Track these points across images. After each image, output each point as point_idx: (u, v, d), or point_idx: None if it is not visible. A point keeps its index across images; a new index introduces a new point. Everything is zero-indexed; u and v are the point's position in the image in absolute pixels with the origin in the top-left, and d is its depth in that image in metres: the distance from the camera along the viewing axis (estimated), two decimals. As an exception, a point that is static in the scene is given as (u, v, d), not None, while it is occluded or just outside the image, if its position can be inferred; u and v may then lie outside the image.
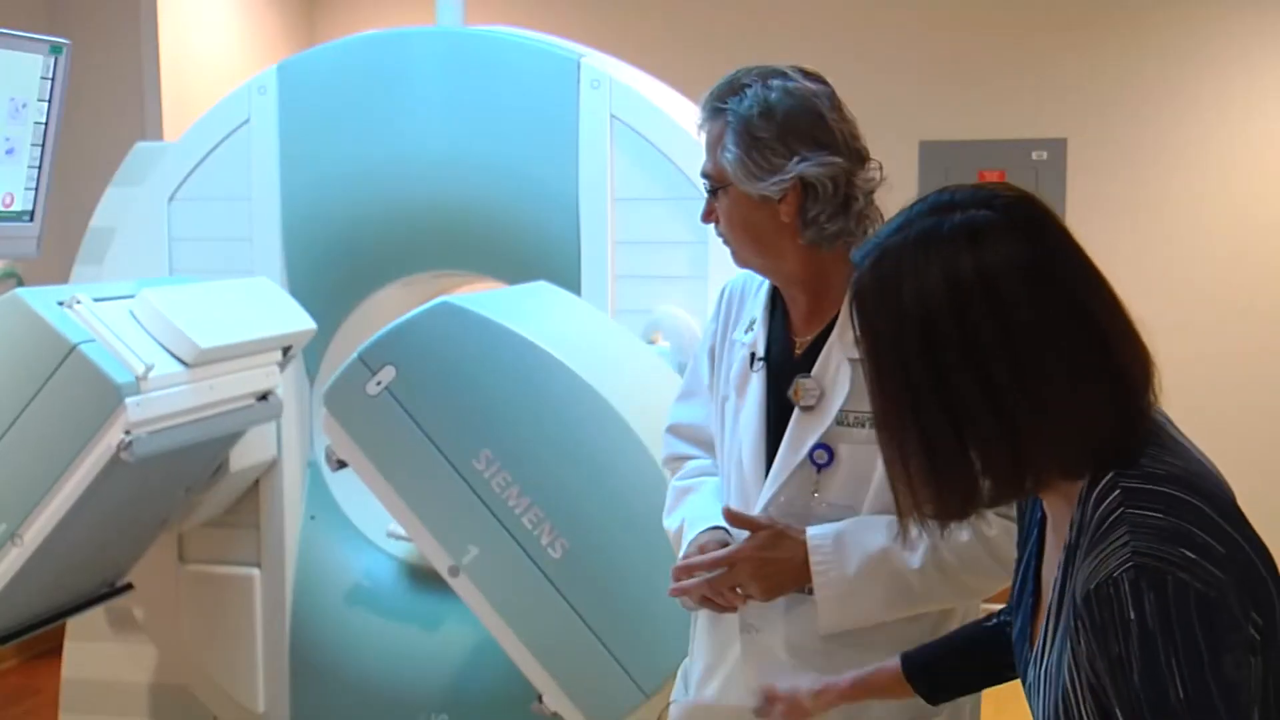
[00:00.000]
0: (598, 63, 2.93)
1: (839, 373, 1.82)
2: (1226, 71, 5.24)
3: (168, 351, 2.57)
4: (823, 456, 1.83)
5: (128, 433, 2.42)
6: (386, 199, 2.97)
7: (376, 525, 3.11)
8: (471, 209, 2.93)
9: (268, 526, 3.11)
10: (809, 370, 1.85)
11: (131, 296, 2.62)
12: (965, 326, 1.20)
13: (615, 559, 2.44)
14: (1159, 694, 1.11)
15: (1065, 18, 5.34)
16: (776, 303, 1.93)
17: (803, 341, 1.89)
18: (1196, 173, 5.13)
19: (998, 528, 1.76)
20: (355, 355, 2.49)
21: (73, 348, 2.42)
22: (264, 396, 2.86)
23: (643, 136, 2.87)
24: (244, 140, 3.06)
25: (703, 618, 1.97)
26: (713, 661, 1.96)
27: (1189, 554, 1.13)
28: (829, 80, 1.92)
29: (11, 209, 2.63)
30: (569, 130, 2.88)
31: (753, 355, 1.91)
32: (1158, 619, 1.11)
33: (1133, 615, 1.12)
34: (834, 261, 1.83)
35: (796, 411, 1.85)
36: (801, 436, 1.84)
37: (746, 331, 1.94)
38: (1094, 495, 1.20)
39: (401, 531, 2.95)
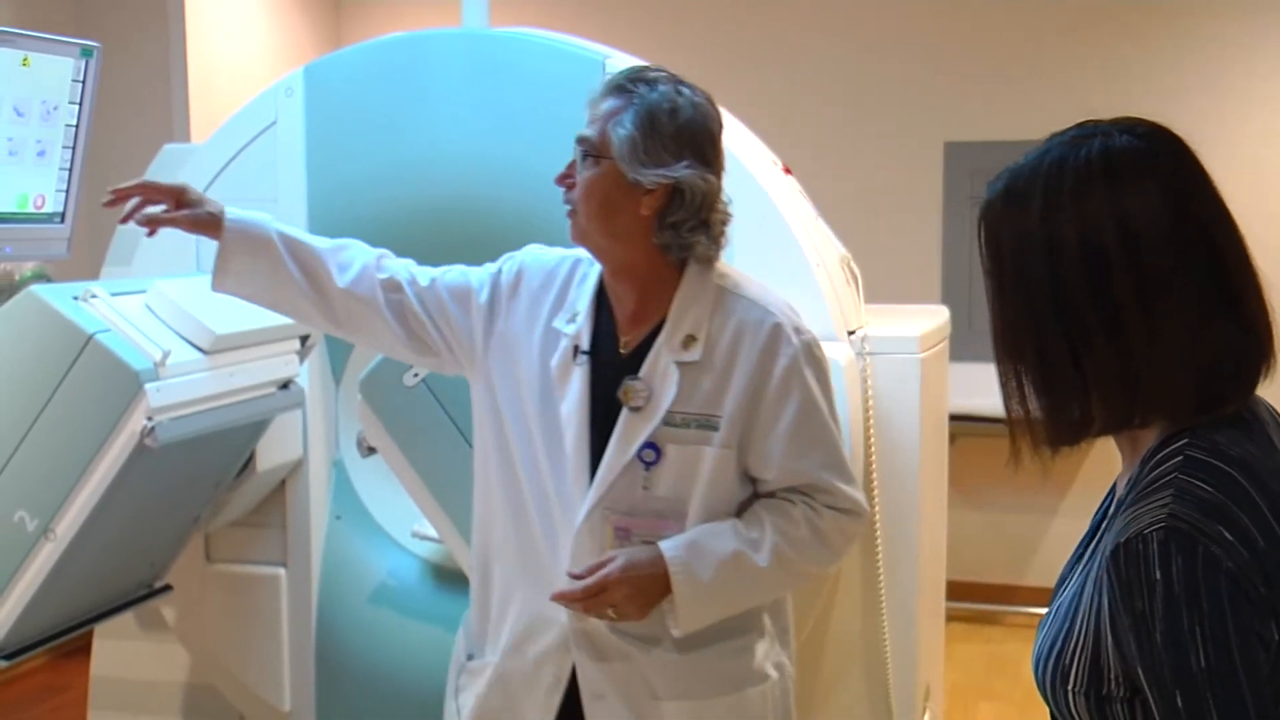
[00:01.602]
0: (622, 64, 2.91)
1: (667, 375, 1.92)
2: (1255, 70, 5.23)
3: (184, 339, 2.60)
4: (650, 455, 1.94)
5: (150, 418, 2.44)
6: (412, 200, 2.98)
7: (401, 525, 3.13)
8: (496, 209, 2.95)
9: (293, 526, 3.12)
10: (635, 370, 1.95)
11: (145, 290, 2.66)
12: (1091, 249, 1.21)
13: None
14: (1180, 659, 1.11)
15: (1090, 18, 5.35)
16: (602, 300, 2.01)
17: (628, 341, 1.97)
18: (1225, 171, 5.10)
19: (829, 520, 1.95)
20: (394, 345, 2.51)
21: (90, 337, 2.44)
22: (285, 385, 2.90)
23: (667, 137, 2.88)
24: (271, 142, 3.08)
25: (518, 586, 2.07)
26: (532, 628, 2.05)
27: (1226, 533, 1.13)
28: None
29: (43, 210, 2.66)
30: (593, 131, 2.89)
31: (575, 348, 1.99)
32: (1184, 584, 1.11)
33: (1159, 575, 1.12)
34: (669, 269, 1.96)
35: (625, 411, 1.94)
36: (631, 436, 1.93)
37: (569, 322, 2.01)
38: (1158, 456, 1.21)
39: (426, 531, 2.98)
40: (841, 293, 2.90)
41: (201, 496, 2.91)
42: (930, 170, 5.45)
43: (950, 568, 3.66)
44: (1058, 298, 1.22)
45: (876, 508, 2.84)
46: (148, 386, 2.44)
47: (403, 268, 2.16)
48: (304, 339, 2.93)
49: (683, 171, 1.89)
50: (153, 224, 2.13)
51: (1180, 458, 1.19)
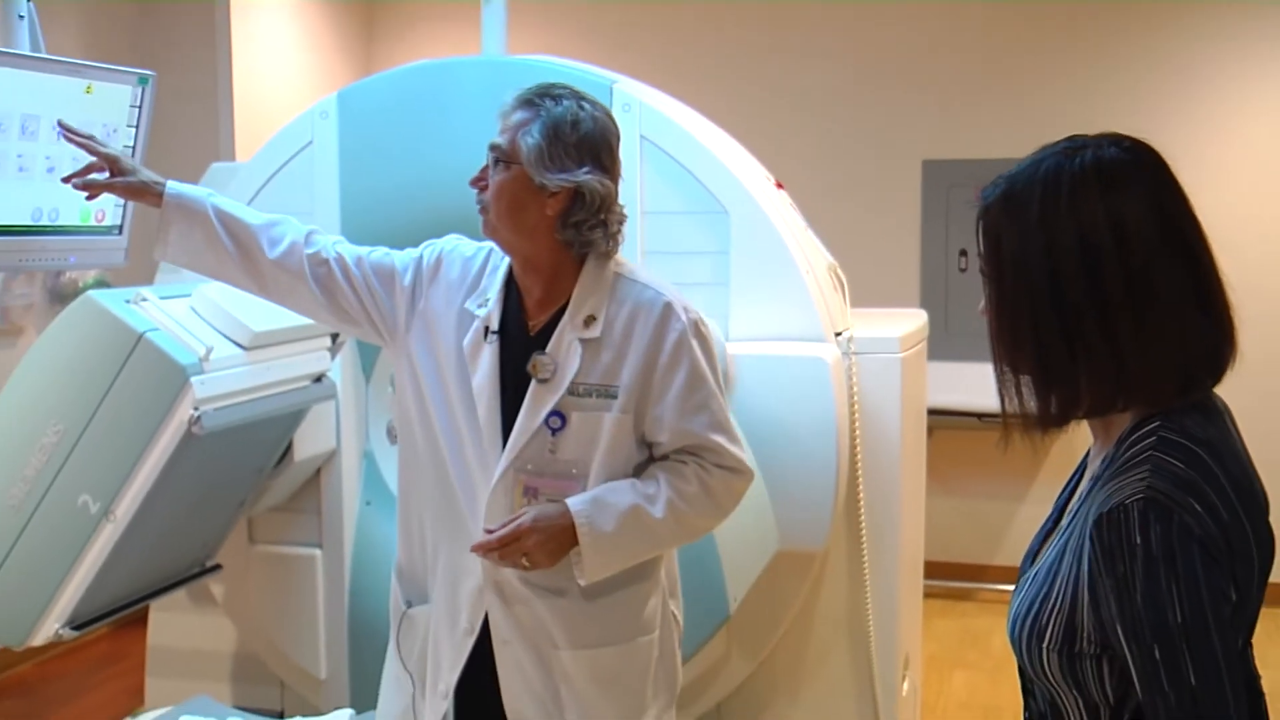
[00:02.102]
0: (629, 88, 3.05)
1: (570, 351, 2.10)
2: (1229, 87, 5.32)
3: (226, 337, 2.77)
4: (556, 422, 2.11)
5: (196, 409, 2.61)
6: (436, 214, 3.02)
7: (427, 511, 3.29)
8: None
9: (328, 511, 3.26)
10: (543, 348, 2.12)
11: (190, 294, 2.84)
12: (1087, 249, 1.27)
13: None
14: (1159, 616, 1.19)
15: (1067, 36, 5.43)
16: (511, 287, 2.18)
17: (536, 323, 2.15)
18: (1199, 188, 5.21)
19: (718, 478, 2.12)
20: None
21: (140, 336, 2.60)
22: (318, 378, 3.06)
23: (669, 155, 3.00)
24: (307, 161, 3.21)
25: (443, 541, 2.24)
26: (455, 578, 2.22)
27: (1196, 505, 1.22)
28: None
29: (103, 224, 2.77)
30: (602, 150, 3.03)
31: (486, 328, 2.16)
32: (1162, 547, 1.19)
33: (1139, 540, 1.20)
34: (572, 263, 2.13)
35: (534, 383, 2.12)
36: (539, 405, 2.12)
37: (480, 306, 2.18)
38: (1133, 436, 1.29)
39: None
40: (829, 297, 3.02)
41: (245, 483, 3.07)
42: (909, 185, 5.60)
43: (928, 549, 3.78)
44: (1055, 293, 1.28)
45: (861, 495, 2.97)
46: (193, 380, 2.61)
47: (330, 245, 2.31)
48: (334, 336, 3.08)
49: (583, 177, 2.06)
50: (91, 188, 2.25)
51: (1154, 438, 1.27)
